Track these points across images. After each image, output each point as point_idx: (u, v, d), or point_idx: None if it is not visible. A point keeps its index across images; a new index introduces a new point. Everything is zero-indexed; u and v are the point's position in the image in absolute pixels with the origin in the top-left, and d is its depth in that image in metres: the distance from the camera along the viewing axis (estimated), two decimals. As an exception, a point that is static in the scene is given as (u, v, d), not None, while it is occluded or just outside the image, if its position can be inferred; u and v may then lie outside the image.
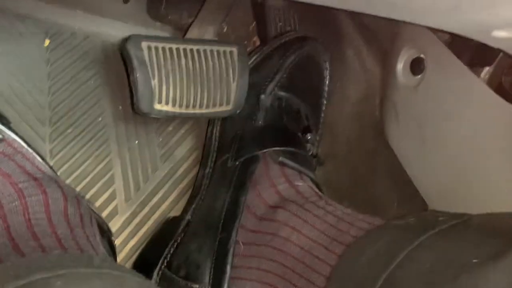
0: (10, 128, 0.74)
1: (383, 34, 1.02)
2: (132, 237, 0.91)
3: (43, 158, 0.75)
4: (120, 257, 0.89)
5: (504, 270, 0.50)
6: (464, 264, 0.53)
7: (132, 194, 0.93)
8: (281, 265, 0.72)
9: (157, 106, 0.83)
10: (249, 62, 0.93)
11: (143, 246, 0.90)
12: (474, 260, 0.52)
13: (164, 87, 0.83)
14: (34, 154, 0.74)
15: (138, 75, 0.81)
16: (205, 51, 0.86)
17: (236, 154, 0.86)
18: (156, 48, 0.83)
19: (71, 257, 0.45)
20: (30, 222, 0.66)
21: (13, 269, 0.42)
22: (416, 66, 0.92)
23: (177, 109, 0.85)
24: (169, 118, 0.97)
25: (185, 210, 0.88)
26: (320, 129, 0.99)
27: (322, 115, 0.99)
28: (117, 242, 0.89)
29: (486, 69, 0.85)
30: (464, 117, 0.85)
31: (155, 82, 0.82)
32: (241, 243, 0.78)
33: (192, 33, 1.01)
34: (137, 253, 0.90)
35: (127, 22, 1.02)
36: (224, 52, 0.88)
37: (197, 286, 0.77)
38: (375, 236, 0.66)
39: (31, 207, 0.67)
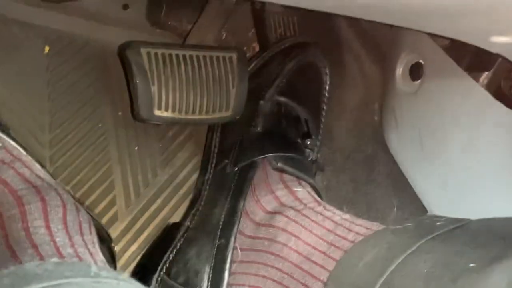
0: (9, 135, 0.74)
1: (382, 40, 1.02)
2: (132, 243, 0.91)
3: (42, 166, 0.75)
4: (120, 264, 0.89)
5: (502, 274, 0.50)
6: (462, 268, 0.53)
7: (132, 200, 0.93)
8: (279, 271, 0.72)
9: (157, 112, 0.83)
10: (249, 68, 0.93)
11: (143, 252, 0.90)
12: (472, 264, 0.52)
13: (163, 93, 0.83)
14: (33, 161, 0.74)
15: (138, 81, 0.81)
16: (204, 57, 0.86)
17: (235, 160, 0.86)
18: (156, 54, 0.83)
19: (69, 266, 0.45)
20: (28, 230, 0.66)
21: (9, 278, 0.42)
22: (415, 71, 0.92)
23: (176, 115, 0.85)
24: (169, 124, 0.97)
25: (184, 216, 0.89)
26: (320, 135, 0.99)
27: (322, 120, 0.99)
28: (117, 248, 0.89)
29: (485, 74, 0.85)
30: (463, 122, 0.85)
31: (154, 88, 0.82)
32: (239, 249, 0.78)
33: (192, 39, 1.01)
34: (137, 259, 0.90)
35: (127, 28, 1.02)
36: (224, 58, 0.88)
37: (196, 292, 0.77)
38: (373, 241, 0.66)
39: (30, 214, 0.67)
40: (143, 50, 0.82)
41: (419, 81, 0.91)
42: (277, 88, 0.92)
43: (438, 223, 0.62)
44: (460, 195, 0.86)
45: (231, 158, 0.86)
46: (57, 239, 0.66)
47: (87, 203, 0.89)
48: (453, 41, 0.85)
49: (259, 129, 0.88)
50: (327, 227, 0.73)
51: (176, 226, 0.87)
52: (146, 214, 0.93)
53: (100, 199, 0.91)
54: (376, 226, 0.70)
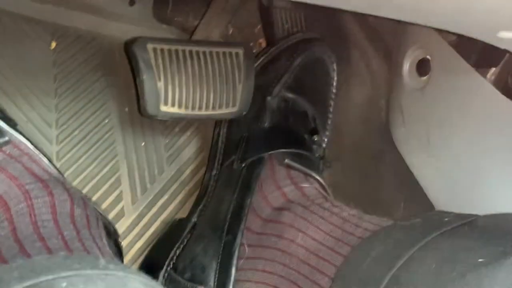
0: (17, 130, 0.74)
1: (389, 36, 1.02)
2: (139, 239, 0.91)
3: (49, 160, 0.75)
4: (126, 259, 0.89)
5: (510, 269, 0.50)
6: (470, 264, 0.53)
7: (138, 195, 0.93)
8: (286, 267, 0.72)
9: (163, 108, 0.83)
10: (256, 64, 0.93)
11: (149, 247, 0.90)
12: (480, 260, 0.52)
13: (170, 89, 0.83)
14: (41, 156, 0.74)
15: (144, 77, 0.81)
16: (211, 52, 0.86)
17: (242, 156, 0.86)
18: (162, 50, 0.83)
19: (77, 258, 0.45)
20: (36, 224, 0.66)
21: (18, 270, 0.42)
22: (422, 67, 0.92)
23: (183, 111, 0.85)
24: (175, 120, 0.97)
25: (191, 212, 0.88)
26: (328, 131, 0.99)
27: (330, 116, 0.98)
28: (124, 243, 0.89)
29: (492, 70, 0.85)
30: (470, 118, 0.85)
31: (161, 84, 0.82)
32: (246, 245, 0.78)
33: (198, 35, 1.01)
34: (143, 255, 0.90)
35: (133, 24, 1.02)
36: (230, 53, 0.88)
37: (202, 288, 0.77)
38: (381, 236, 0.66)
39: (38, 208, 0.67)
40: (150, 46, 0.82)
41: (426, 77, 0.91)
42: (285, 84, 0.91)
43: (445, 219, 0.61)
44: (467, 191, 0.86)
45: (238, 154, 0.86)
46: (65, 233, 0.66)
47: (94, 198, 0.90)
48: (460, 37, 0.85)
49: (266, 125, 0.88)
50: (335, 223, 0.73)
51: (183, 222, 0.87)
52: (153, 210, 0.93)
53: (106, 195, 0.91)
54: (383, 222, 0.70)
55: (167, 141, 0.99)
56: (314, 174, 0.85)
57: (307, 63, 0.95)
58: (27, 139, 0.74)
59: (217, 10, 1.01)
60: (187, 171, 0.98)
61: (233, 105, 0.88)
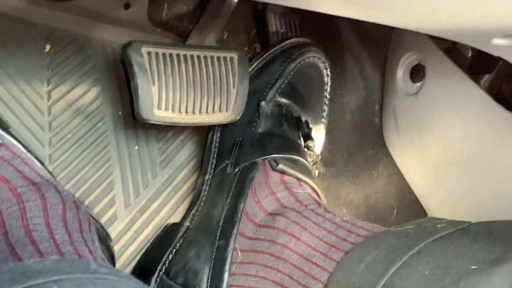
0: (9, 133, 0.74)
1: (383, 41, 1.02)
2: (131, 243, 0.91)
3: (42, 163, 0.75)
4: (119, 263, 0.88)
5: (503, 276, 0.50)
6: (463, 271, 0.53)
7: (131, 200, 0.93)
8: (279, 272, 0.72)
9: (157, 112, 0.83)
10: (250, 69, 0.93)
11: (142, 252, 0.90)
12: (473, 267, 0.52)
13: (164, 93, 0.83)
14: (33, 159, 0.74)
15: (138, 80, 0.81)
16: (205, 57, 0.86)
17: (236, 161, 0.86)
18: (157, 54, 0.83)
19: (68, 262, 0.45)
20: (28, 227, 0.66)
21: (9, 274, 0.42)
22: (416, 73, 0.92)
23: (176, 115, 0.85)
24: (169, 124, 0.97)
25: (184, 216, 0.88)
26: (321, 136, 0.99)
27: (324, 121, 0.99)
28: (116, 247, 0.89)
29: (486, 76, 0.85)
30: (463, 125, 0.85)
31: (155, 88, 0.82)
32: (239, 250, 0.78)
33: (193, 39, 1.01)
34: (136, 259, 0.89)
35: (128, 27, 1.02)
36: (225, 58, 0.88)
37: (195, 293, 0.77)
38: (374, 243, 0.66)
39: (30, 212, 0.67)
40: (144, 50, 0.82)
41: (420, 83, 0.91)
42: (278, 89, 0.92)
43: (439, 226, 0.62)
44: (459, 197, 0.86)
45: (231, 159, 0.86)
46: (57, 236, 0.65)
47: (86, 202, 0.89)
48: (454, 44, 0.85)
49: (259, 130, 0.88)
50: (328, 228, 0.73)
51: (175, 227, 0.87)
52: (146, 214, 0.93)
53: (99, 199, 0.91)
54: (377, 228, 0.70)
55: (160, 145, 0.98)
56: (307, 180, 0.85)
57: (301, 68, 0.95)
58: (20, 142, 0.74)
59: (212, 15, 1.01)
60: (180, 176, 0.97)
61: (227, 110, 0.88)
